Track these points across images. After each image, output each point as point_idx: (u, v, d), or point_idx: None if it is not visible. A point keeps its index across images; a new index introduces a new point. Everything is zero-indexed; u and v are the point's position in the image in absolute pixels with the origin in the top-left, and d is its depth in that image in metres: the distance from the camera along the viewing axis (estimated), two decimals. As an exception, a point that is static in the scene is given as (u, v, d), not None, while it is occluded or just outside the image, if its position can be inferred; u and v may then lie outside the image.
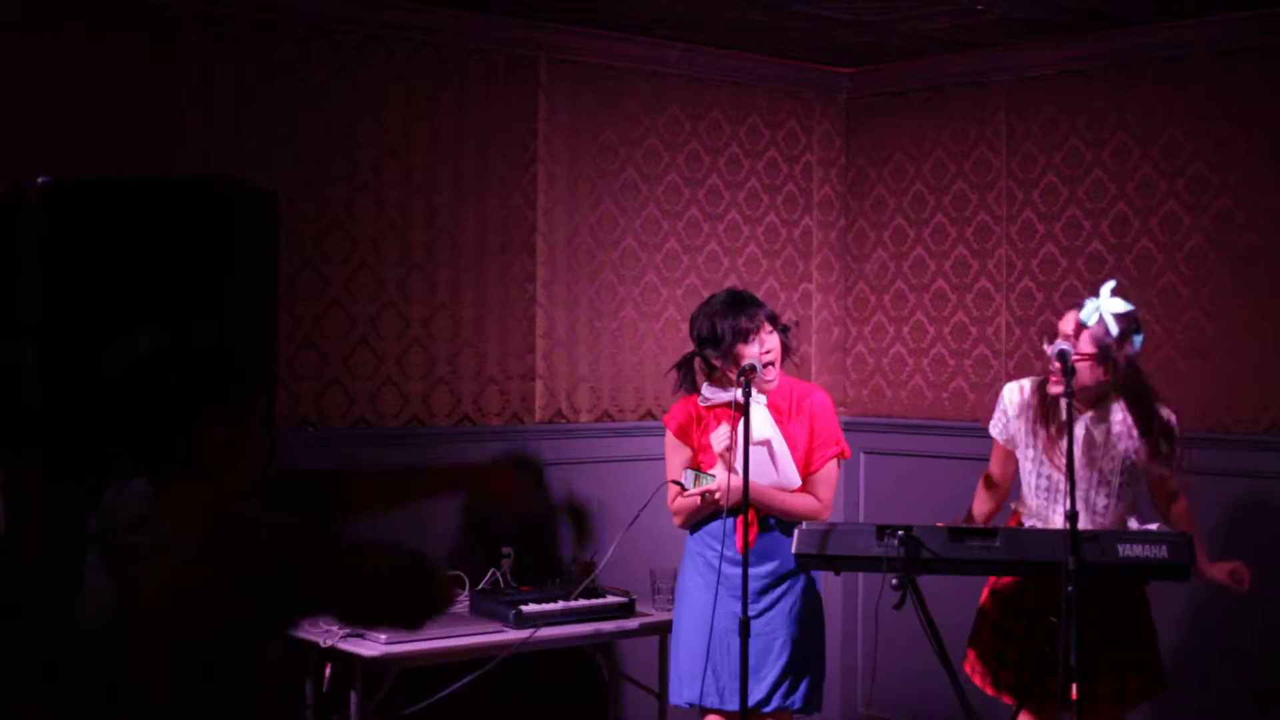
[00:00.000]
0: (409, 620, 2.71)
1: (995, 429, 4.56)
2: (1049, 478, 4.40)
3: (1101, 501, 4.37)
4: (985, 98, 6.16)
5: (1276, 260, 5.37)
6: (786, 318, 4.76)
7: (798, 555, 4.30)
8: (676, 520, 4.70)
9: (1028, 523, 4.49)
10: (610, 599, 5.11)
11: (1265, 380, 5.39)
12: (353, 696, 4.64)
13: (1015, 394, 4.51)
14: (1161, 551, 4.05)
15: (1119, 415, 4.36)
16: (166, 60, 4.87)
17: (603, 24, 5.69)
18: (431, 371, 5.45)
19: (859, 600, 6.40)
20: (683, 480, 4.57)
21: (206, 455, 2.62)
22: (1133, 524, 4.40)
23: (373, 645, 4.53)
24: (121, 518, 2.61)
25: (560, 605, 4.94)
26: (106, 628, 2.60)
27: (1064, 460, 4.22)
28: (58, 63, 4.67)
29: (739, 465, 4.30)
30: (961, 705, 4.33)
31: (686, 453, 4.65)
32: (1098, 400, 4.35)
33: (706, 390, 4.63)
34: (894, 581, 4.07)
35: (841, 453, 4.67)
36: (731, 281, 6.08)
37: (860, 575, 6.00)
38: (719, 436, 4.49)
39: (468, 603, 5.01)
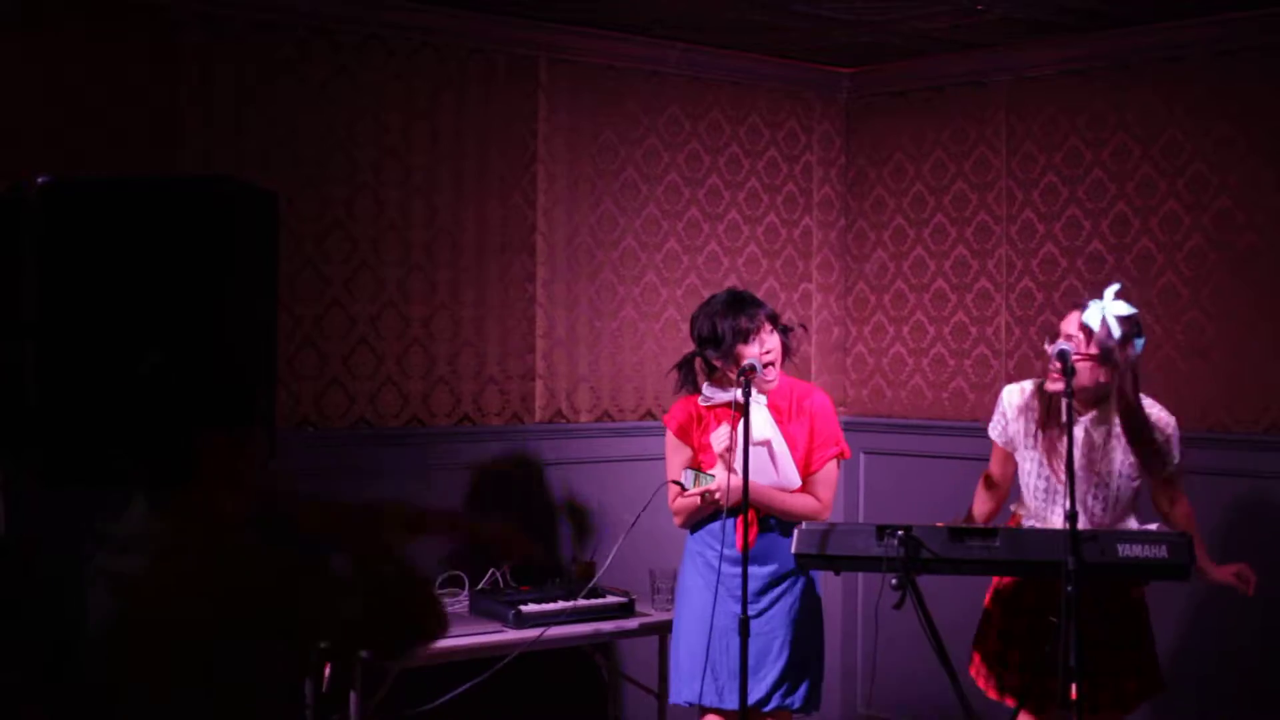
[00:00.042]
0: (402, 648, 2.70)
1: (994, 431, 4.57)
2: (1047, 479, 4.40)
3: (1100, 503, 4.38)
4: (985, 98, 6.16)
5: (1276, 260, 5.37)
6: (787, 318, 4.76)
7: (797, 555, 4.30)
8: (677, 520, 4.70)
9: (1027, 524, 4.49)
10: (610, 599, 5.11)
11: (1265, 380, 5.39)
12: (352, 696, 4.64)
13: (1014, 396, 4.52)
14: (1161, 551, 4.06)
15: (1119, 418, 4.36)
16: (166, 60, 4.87)
17: (603, 24, 5.70)
18: (431, 371, 5.45)
19: (859, 600, 6.40)
20: (683, 480, 4.58)
21: (208, 471, 2.62)
22: (1132, 524, 4.40)
23: (373, 645, 4.53)
24: (119, 541, 2.60)
25: (560, 605, 4.95)
26: (107, 645, 2.60)
27: (1062, 462, 4.22)
28: (58, 63, 4.67)
29: (739, 465, 4.30)
30: (961, 705, 4.33)
31: (687, 452, 4.66)
32: (1098, 401, 4.35)
33: (707, 390, 4.64)
34: (894, 581, 4.08)
35: (841, 453, 4.67)
36: (731, 281, 6.08)
37: (860, 575, 6.00)
38: (719, 437, 4.50)
39: (467, 603, 5.01)
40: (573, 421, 5.82)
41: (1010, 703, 4.45)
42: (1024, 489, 4.50)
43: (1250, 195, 5.42)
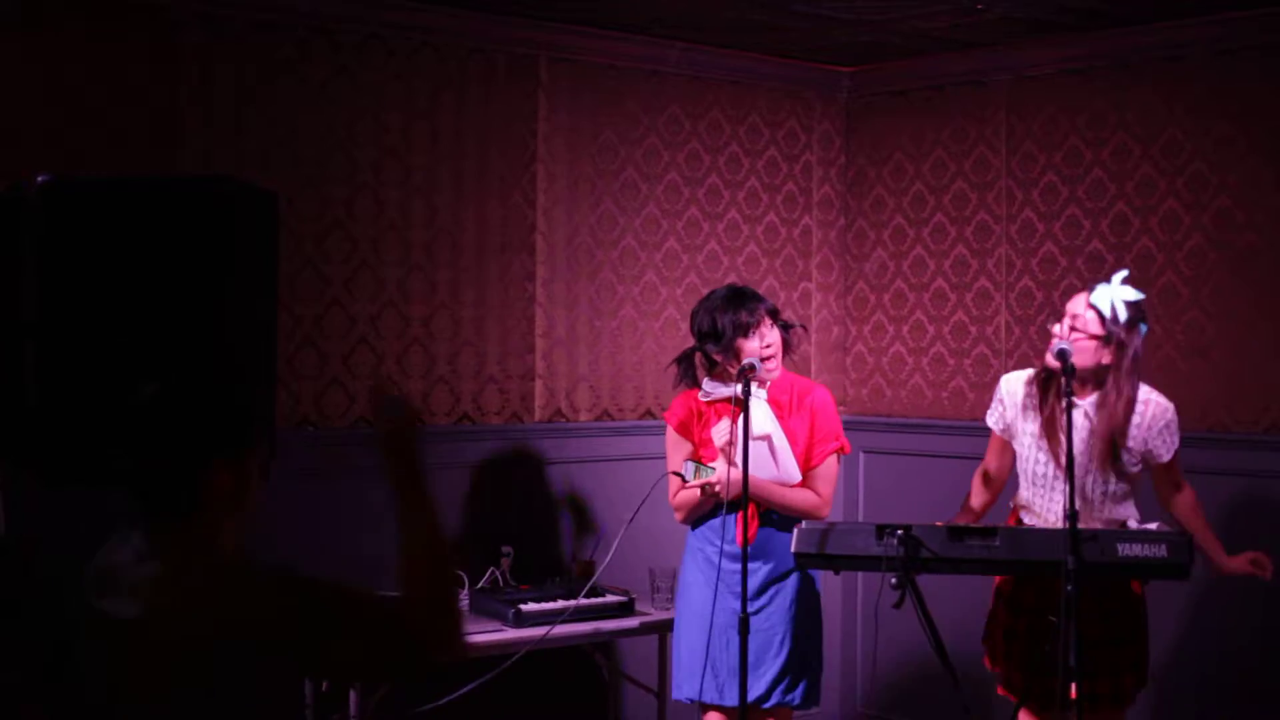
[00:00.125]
0: (417, 669, 2.68)
1: (992, 418, 4.56)
2: (1047, 465, 4.40)
3: (1101, 488, 4.36)
4: (985, 97, 6.16)
5: (1276, 259, 5.37)
6: (786, 317, 4.76)
7: (797, 554, 4.31)
8: (678, 516, 4.70)
9: (1026, 518, 4.49)
10: (610, 598, 5.11)
11: (1265, 380, 5.39)
12: (352, 696, 4.65)
13: (1013, 383, 4.52)
14: (1161, 551, 4.06)
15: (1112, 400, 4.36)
16: (166, 60, 4.87)
17: (603, 23, 5.70)
18: (431, 371, 5.45)
19: (858, 599, 6.40)
20: (683, 472, 4.57)
21: (210, 502, 2.61)
22: (1132, 524, 4.40)
23: (373, 645, 4.53)
24: (116, 580, 2.59)
25: (560, 604, 4.95)
26: (106, 685, 2.59)
27: (1060, 449, 4.23)
28: (58, 63, 4.67)
29: (739, 460, 4.30)
30: (961, 705, 4.33)
31: (687, 448, 4.66)
32: (1099, 384, 4.35)
33: (707, 385, 4.64)
34: (893, 581, 4.08)
35: (841, 448, 4.67)
36: (731, 281, 6.08)
37: (860, 574, 6.00)
38: (720, 431, 4.49)
39: (467, 602, 5.01)
40: (572, 421, 5.82)
41: (1014, 699, 4.46)
42: (1022, 477, 4.49)
43: (1250, 195, 5.42)
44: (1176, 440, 4.40)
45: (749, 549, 4.48)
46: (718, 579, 4.54)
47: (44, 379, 3.27)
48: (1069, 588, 3.90)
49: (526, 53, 5.67)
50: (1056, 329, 4.33)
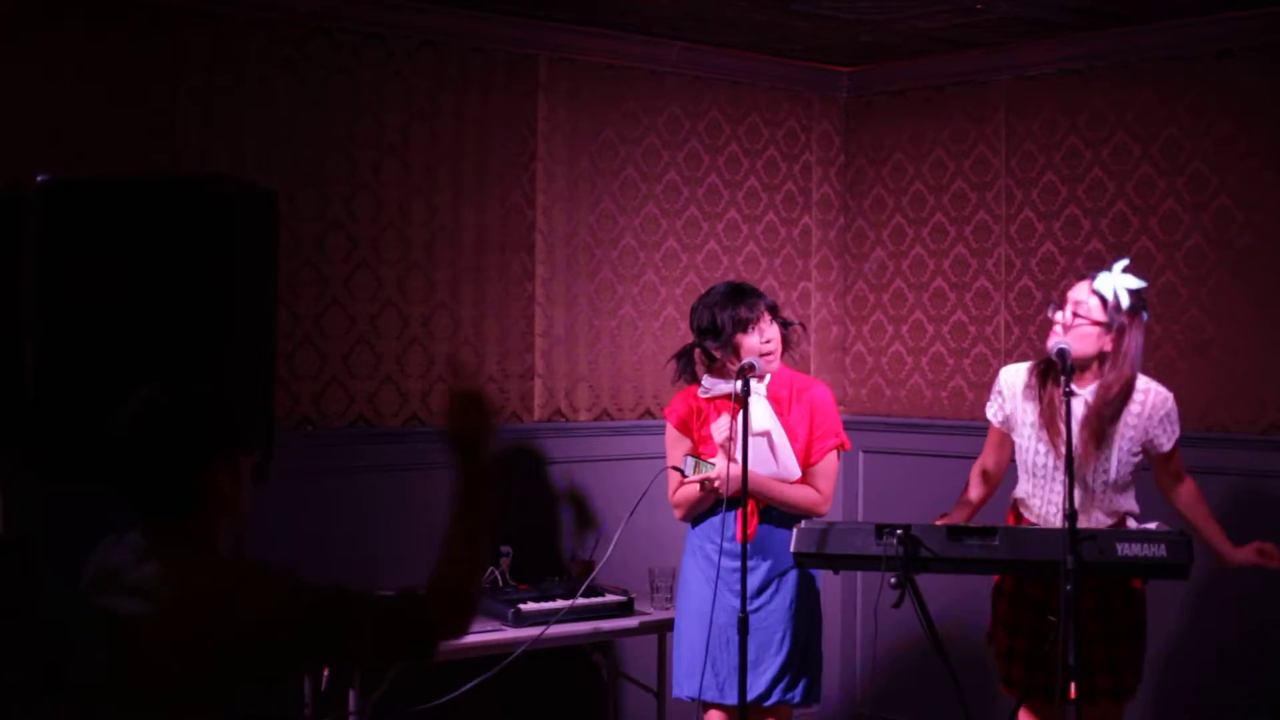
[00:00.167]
0: (422, 656, 2.70)
1: (991, 411, 4.56)
2: (1048, 455, 4.39)
3: (1102, 477, 4.36)
4: (985, 97, 6.16)
5: (1276, 259, 5.37)
6: (786, 317, 4.76)
7: (796, 554, 4.31)
8: (678, 513, 4.70)
9: (1025, 513, 4.48)
10: (609, 598, 5.11)
11: (1264, 380, 5.39)
12: (351, 695, 4.65)
13: (1011, 375, 4.52)
14: (1160, 551, 4.06)
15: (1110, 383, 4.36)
16: (166, 60, 4.87)
17: (602, 23, 5.70)
18: (431, 370, 5.45)
19: (858, 597, 6.40)
20: (683, 467, 4.57)
21: (207, 503, 2.62)
22: (1131, 523, 4.40)
23: (372, 644, 4.53)
24: (118, 579, 2.60)
25: (559, 604, 4.95)
26: (108, 686, 2.60)
27: (1060, 439, 4.23)
28: (58, 63, 4.67)
29: (739, 457, 4.29)
30: (961, 704, 4.33)
31: (687, 445, 4.66)
32: (1100, 372, 4.35)
33: (706, 381, 4.63)
34: (892, 580, 4.08)
35: (841, 445, 4.66)
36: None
37: (859, 573, 6.00)
38: (719, 427, 4.49)
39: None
40: (572, 420, 5.82)
41: (1014, 695, 4.46)
42: (1021, 469, 4.48)
43: (1250, 195, 5.42)
44: (1177, 429, 4.40)
45: (749, 546, 4.48)
46: (717, 577, 4.54)
47: (43, 378, 3.27)
48: (1068, 587, 3.90)
49: (526, 52, 5.67)
50: (1059, 316, 4.33)
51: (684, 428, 4.67)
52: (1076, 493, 4.27)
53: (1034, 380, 4.44)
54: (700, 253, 6.16)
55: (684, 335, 4.76)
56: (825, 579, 4.84)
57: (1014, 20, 5.53)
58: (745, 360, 4.41)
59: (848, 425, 4.87)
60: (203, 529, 2.63)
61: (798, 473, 4.59)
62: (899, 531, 4.14)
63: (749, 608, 4.42)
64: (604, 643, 5.45)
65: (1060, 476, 4.27)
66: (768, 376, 4.58)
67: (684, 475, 4.58)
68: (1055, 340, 4.29)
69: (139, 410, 2.63)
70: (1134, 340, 4.32)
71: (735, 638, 4.41)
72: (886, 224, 6.50)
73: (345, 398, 5.25)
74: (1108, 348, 4.31)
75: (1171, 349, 5.56)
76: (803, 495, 4.59)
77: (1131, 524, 4.39)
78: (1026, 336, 5.99)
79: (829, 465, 4.64)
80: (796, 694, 4.62)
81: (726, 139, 6.25)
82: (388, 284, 5.34)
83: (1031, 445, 4.42)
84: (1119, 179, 5.75)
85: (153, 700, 2.55)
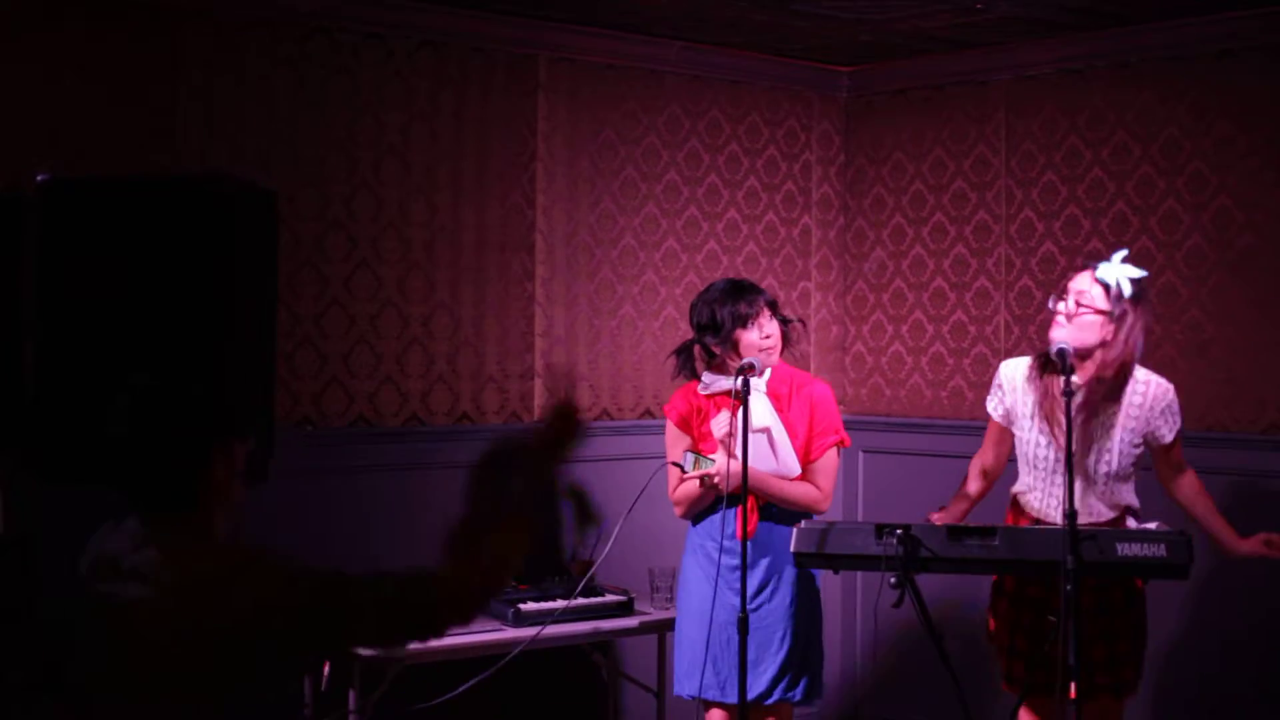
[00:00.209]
0: (429, 634, 2.72)
1: (991, 404, 4.56)
2: (1049, 446, 4.39)
3: (1104, 468, 4.36)
4: (985, 96, 6.16)
5: (1275, 259, 5.37)
6: (786, 313, 4.75)
7: (796, 554, 4.31)
8: (678, 510, 4.70)
9: (1025, 508, 4.47)
10: (609, 597, 5.11)
11: (1265, 380, 5.39)
12: (351, 695, 4.65)
13: (1012, 368, 4.52)
14: (1160, 551, 4.06)
15: (1128, 385, 4.36)
16: (166, 60, 4.88)
17: (602, 23, 5.70)
18: (430, 370, 5.45)
19: (858, 597, 6.40)
20: (682, 462, 4.57)
21: (204, 492, 2.63)
22: (1131, 522, 4.40)
23: (372, 644, 4.53)
24: (116, 566, 2.60)
25: (559, 604, 4.95)
26: (108, 672, 2.60)
27: (1060, 429, 4.22)
28: (58, 63, 4.67)
29: (739, 453, 4.29)
30: (961, 704, 4.34)
31: (687, 441, 4.65)
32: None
33: (706, 378, 4.63)
34: (892, 580, 4.08)
35: (841, 441, 4.66)
36: (731, 280, 6.08)
37: (859, 573, 6.00)
38: (719, 423, 4.48)
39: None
40: (572, 420, 5.81)
41: (1016, 692, 4.46)
42: (1022, 463, 4.48)
43: (1250, 195, 5.42)
44: (1179, 421, 4.41)
45: (749, 544, 4.48)
46: (717, 574, 4.54)
47: (43, 377, 3.27)
48: (1068, 587, 3.90)
49: (526, 52, 5.67)
50: (1061, 306, 4.32)
51: (684, 425, 4.67)
52: (1078, 484, 4.28)
53: (1034, 372, 4.43)
54: (700, 252, 6.17)
55: (684, 335, 4.76)
56: (825, 578, 4.84)
57: (1014, 20, 5.53)
58: (745, 360, 4.41)
59: (848, 425, 4.87)
60: (200, 517, 2.64)
61: (797, 469, 4.58)
62: (899, 531, 4.14)
63: (749, 606, 4.42)
64: (604, 642, 5.45)
65: (1062, 469, 4.27)
66: (767, 372, 4.58)
67: (683, 471, 4.57)
68: (1058, 332, 4.29)
69: (134, 404, 2.64)
70: (1135, 326, 4.31)
71: (736, 636, 4.41)
72: (886, 224, 6.50)
73: (345, 398, 5.25)
74: (1110, 337, 4.31)
75: (1171, 349, 5.56)
76: (802, 492, 4.59)
77: (1131, 523, 4.39)
78: (1026, 336, 5.99)
79: (829, 462, 4.64)
80: (797, 692, 4.62)
81: (726, 139, 6.25)
82: (388, 284, 5.34)
83: (1032, 438, 4.42)
84: (1119, 179, 5.75)
85: (152, 688, 2.56)
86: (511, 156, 5.65)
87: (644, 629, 5.13)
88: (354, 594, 2.60)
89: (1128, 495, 4.40)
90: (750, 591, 4.51)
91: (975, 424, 5.37)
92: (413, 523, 5.17)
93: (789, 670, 4.60)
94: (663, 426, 4.80)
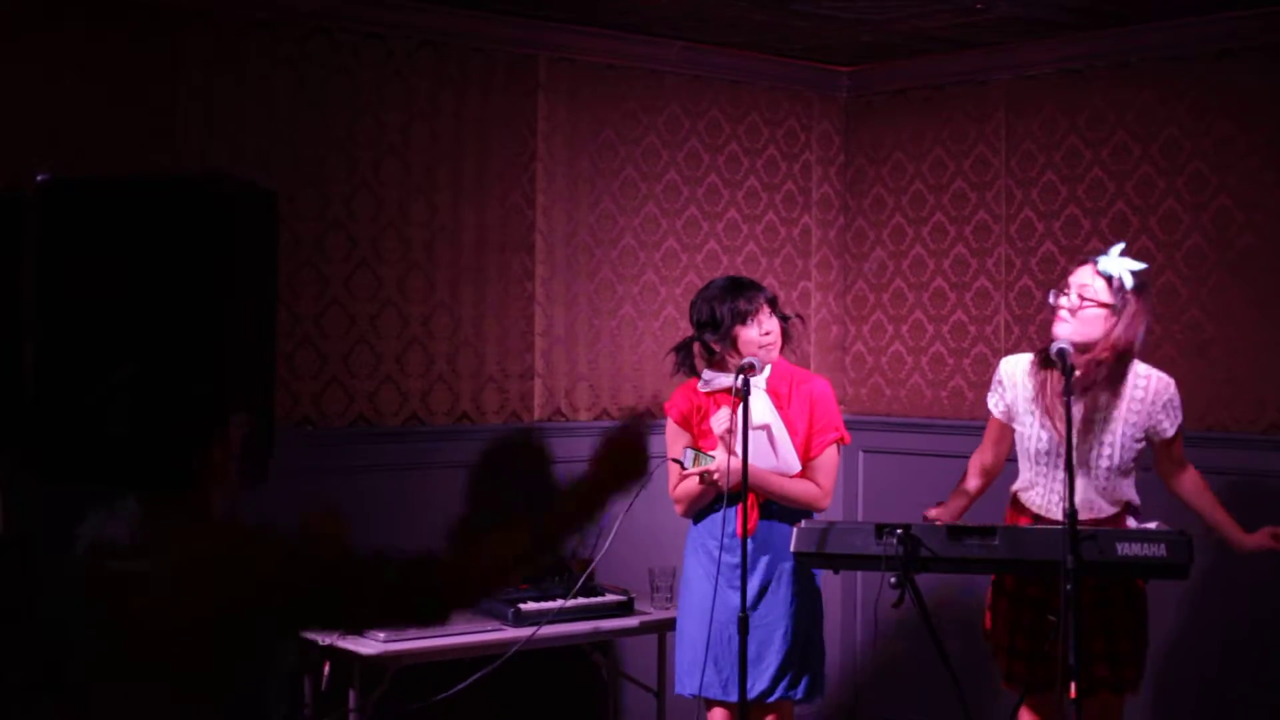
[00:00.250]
0: (432, 619, 2.74)
1: (992, 400, 4.55)
2: (1050, 440, 4.38)
3: (1104, 463, 4.36)
4: (985, 96, 6.17)
5: (1275, 259, 5.37)
6: (786, 310, 4.75)
7: (796, 553, 4.31)
8: (679, 509, 4.70)
9: (1026, 505, 4.46)
10: (609, 597, 5.11)
11: (1265, 380, 5.39)
12: (351, 694, 4.65)
13: (1012, 365, 4.52)
14: (1160, 550, 4.06)
15: (1129, 378, 4.36)
16: (166, 60, 4.88)
17: (602, 23, 5.70)
18: (430, 370, 5.45)
19: (858, 596, 6.40)
20: (682, 458, 4.56)
21: (203, 474, 2.64)
22: (1131, 522, 4.40)
23: (371, 643, 4.54)
24: (114, 545, 2.60)
25: (559, 604, 4.95)
26: (108, 652, 2.60)
27: (1060, 419, 4.22)
28: (58, 63, 4.67)
29: (739, 450, 4.28)
30: (961, 703, 4.34)
31: (687, 439, 4.65)
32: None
33: (706, 375, 4.63)
34: (892, 580, 4.08)
35: (841, 438, 4.66)
36: (731, 280, 6.08)
37: (859, 572, 6.00)
38: (719, 419, 4.48)
39: (467, 601, 5.01)
40: (571, 420, 5.82)
41: (1017, 690, 4.46)
42: (1024, 457, 4.47)
43: (1250, 195, 5.42)
44: (1180, 416, 4.41)
45: (749, 542, 4.48)
46: (718, 572, 4.54)
47: (43, 377, 3.27)
48: (1068, 587, 3.90)
49: (526, 52, 5.67)
50: (1063, 300, 4.32)
51: (685, 423, 4.67)
52: (1080, 478, 4.28)
53: (1035, 368, 4.43)
54: (700, 252, 6.17)
55: (684, 335, 4.76)
56: (825, 578, 4.84)
57: (1014, 20, 5.53)
58: (745, 359, 4.41)
59: (848, 425, 4.87)
60: (198, 497, 2.65)
61: (797, 466, 4.58)
62: (899, 531, 4.14)
63: (750, 604, 4.42)
64: (604, 642, 5.45)
65: (1064, 462, 4.26)
66: (767, 369, 4.58)
67: (683, 467, 4.57)
68: (1062, 328, 4.28)
69: (133, 387, 2.64)
70: (1137, 315, 4.31)
71: (737, 634, 4.41)
72: (886, 224, 6.50)
73: (345, 397, 5.25)
74: (1112, 329, 4.31)
75: (1171, 349, 5.56)
76: (802, 489, 4.58)
77: (1131, 521, 4.39)
78: (1026, 336, 5.99)
79: (828, 459, 4.63)
80: (799, 690, 4.62)
81: (726, 138, 6.25)
82: (388, 284, 5.35)
83: (1034, 432, 4.41)
84: (1119, 179, 5.75)
85: (152, 671, 2.56)
86: (511, 156, 5.65)
87: (644, 629, 5.13)
88: (357, 575, 2.60)
89: (1129, 491, 4.40)
90: (751, 590, 4.51)
91: (975, 424, 5.37)
92: (413, 522, 5.16)
93: (790, 668, 4.60)
94: (663, 426, 4.80)
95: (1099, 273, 4.31)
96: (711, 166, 6.20)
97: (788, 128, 6.46)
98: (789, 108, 6.46)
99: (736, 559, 4.48)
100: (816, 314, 6.56)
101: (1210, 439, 5.37)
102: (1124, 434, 4.35)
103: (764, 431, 4.51)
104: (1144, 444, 4.39)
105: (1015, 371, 4.49)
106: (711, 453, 4.52)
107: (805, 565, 4.45)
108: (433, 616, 2.70)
